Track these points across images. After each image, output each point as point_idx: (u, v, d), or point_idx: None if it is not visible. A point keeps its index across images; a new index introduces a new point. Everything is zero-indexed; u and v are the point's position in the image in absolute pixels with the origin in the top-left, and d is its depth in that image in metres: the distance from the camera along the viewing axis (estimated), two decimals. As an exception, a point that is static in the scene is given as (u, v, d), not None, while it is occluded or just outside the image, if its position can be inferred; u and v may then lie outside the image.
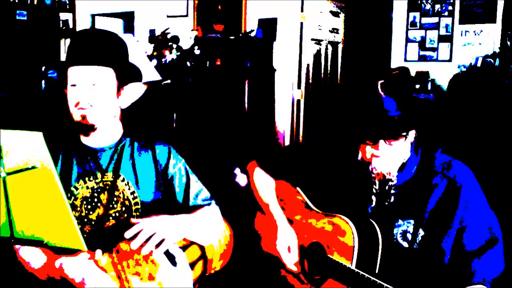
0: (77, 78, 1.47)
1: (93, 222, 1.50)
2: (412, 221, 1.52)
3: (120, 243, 1.36)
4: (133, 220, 1.40)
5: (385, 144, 1.47)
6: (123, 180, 1.55)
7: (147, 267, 1.35)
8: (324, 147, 1.73)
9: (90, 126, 1.49)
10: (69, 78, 1.49)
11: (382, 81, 1.46)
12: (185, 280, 1.38)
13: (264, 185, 1.83)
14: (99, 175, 1.54)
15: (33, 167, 1.17)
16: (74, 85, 1.47)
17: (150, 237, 1.35)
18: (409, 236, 1.52)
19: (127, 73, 1.57)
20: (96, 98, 1.48)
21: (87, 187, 1.53)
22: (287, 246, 1.71)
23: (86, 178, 1.53)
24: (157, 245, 1.35)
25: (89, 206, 1.52)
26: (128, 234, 1.34)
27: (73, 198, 1.51)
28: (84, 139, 1.56)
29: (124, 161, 1.57)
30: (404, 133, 1.47)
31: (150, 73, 3.64)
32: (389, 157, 1.49)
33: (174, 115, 4.81)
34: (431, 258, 1.50)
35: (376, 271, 1.50)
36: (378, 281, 1.41)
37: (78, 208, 1.51)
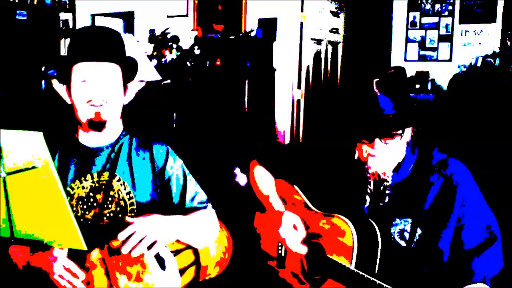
0: (88, 74, 1.46)
1: (89, 222, 1.50)
2: (409, 220, 1.52)
3: (112, 241, 1.36)
4: (127, 218, 1.39)
5: (380, 143, 1.47)
6: (118, 180, 1.53)
7: (136, 268, 1.35)
8: (322, 146, 1.73)
9: (103, 123, 1.48)
10: (77, 74, 1.47)
11: (377, 79, 1.46)
12: (173, 285, 1.38)
13: (264, 179, 1.82)
14: (95, 175, 1.53)
15: (33, 167, 1.17)
16: (84, 81, 1.46)
17: (142, 239, 1.34)
18: (406, 235, 1.52)
19: (130, 70, 1.57)
20: (109, 94, 1.48)
21: (83, 187, 1.52)
22: (292, 224, 1.65)
23: (82, 178, 1.52)
24: (149, 247, 1.35)
25: (84, 206, 1.51)
26: (121, 236, 1.33)
27: (68, 198, 1.49)
28: (81, 138, 1.56)
29: (121, 161, 1.55)
30: (400, 131, 1.47)
31: (150, 73, 3.64)
32: (384, 157, 1.50)
33: (174, 115, 4.81)
34: (429, 257, 1.50)
35: (376, 271, 1.50)
36: (378, 281, 1.41)
37: (74, 208, 1.49)
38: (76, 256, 1.36)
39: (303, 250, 1.65)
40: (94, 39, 1.48)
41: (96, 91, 1.45)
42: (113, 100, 1.49)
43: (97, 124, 1.48)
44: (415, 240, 1.51)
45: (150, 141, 1.61)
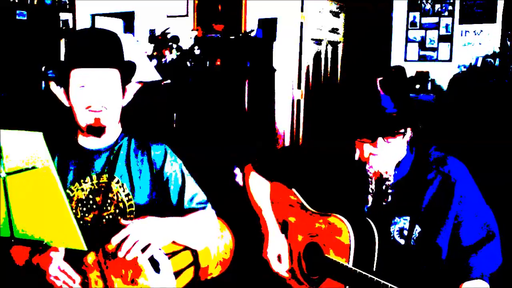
0: (87, 80, 1.45)
1: (88, 225, 1.50)
2: (408, 218, 1.53)
3: (107, 244, 1.36)
4: (122, 221, 1.39)
5: (383, 142, 1.47)
6: (117, 182, 1.53)
7: (130, 271, 1.35)
8: (321, 147, 1.74)
9: (103, 128, 1.48)
10: (76, 79, 1.46)
11: (381, 78, 1.46)
12: (168, 287, 1.38)
13: (259, 189, 1.83)
14: (94, 177, 1.53)
15: (33, 167, 1.17)
16: (82, 87, 1.45)
17: (136, 242, 1.33)
18: (405, 233, 1.53)
19: (128, 73, 1.57)
20: (108, 99, 1.47)
21: (82, 189, 1.52)
22: (277, 254, 1.72)
23: (81, 180, 1.52)
24: (143, 250, 1.34)
25: (84, 209, 1.51)
26: (115, 240, 1.33)
27: (68, 200, 1.49)
28: (81, 140, 1.55)
29: (119, 163, 1.55)
30: (402, 130, 1.47)
31: (150, 73, 3.64)
32: (386, 156, 1.50)
33: (174, 115, 4.81)
34: (428, 255, 1.50)
35: (374, 269, 1.50)
36: (376, 278, 1.42)
37: (74, 210, 1.49)
38: (74, 258, 1.37)
39: (286, 276, 1.71)
40: (92, 44, 1.46)
41: (95, 97, 1.45)
42: (112, 105, 1.49)
43: (96, 130, 1.48)
44: (413, 237, 1.51)
45: (148, 142, 1.60)
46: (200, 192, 1.62)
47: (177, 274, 1.42)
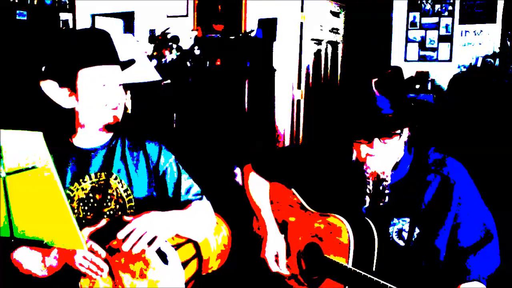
0: (107, 78, 1.48)
1: (91, 223, 1.50)
2: (407, 219, 1.52)
3: (112, 241, 1.36)
4: (125, 217, 1.40)
5: (379, 143, 1.47)
6: (115, 178, 1.55)
7: (139, 265, 1.35)
8: (320, 147, 1.74)
9: (119, 123, 1.53)
10: (91, 78, 1.47)
11: (376, 79, 1.46)
12: (177, 278, 1.39)
13: (258, 189, 1.83)
14: (93, 175, 1.54)
15: (33, 167, 1.17)
16: (104, 86, 1.48)
17: (142, 235, 1.35)
18: (404, 234, 1.53)
19: (125, 69, 1.61)
20: (121, 96, 1.53)
21: (82, 189, 1.53)
22: (274, 254, 1.72)
23: (81, 180, 1.53)
24: (149, 243, 1.36)
25: (86, 207, 1.52)
26: (120, 235, 1.34)
27: (69, 201, 1.50)
28: (76, 141, 1.57)
29: (116, 159, 1.57)
30: (398, 131, 1.47)
31: (150, 73, 3.64)
32: (383, 156, 1.50)
33: (174, 115, 4.81)
34: (427, 256, 1.50)
35: (373, 269, 1.50)
36: (375, 278, 1.42)
37: (76, 210, 1.51)
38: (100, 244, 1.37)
39: (285, 273, 1.71)
40: (100, 42, 1.49)
41: (114, 95, 1.50)
42: (123, 101, 1.55)
43: (114, 126, 1.52)
44: (413, 239, 1.51)
45: (143, 139, 1.64)
46: (195, 184, 1.66)
47: (182, 265, 1.43)
